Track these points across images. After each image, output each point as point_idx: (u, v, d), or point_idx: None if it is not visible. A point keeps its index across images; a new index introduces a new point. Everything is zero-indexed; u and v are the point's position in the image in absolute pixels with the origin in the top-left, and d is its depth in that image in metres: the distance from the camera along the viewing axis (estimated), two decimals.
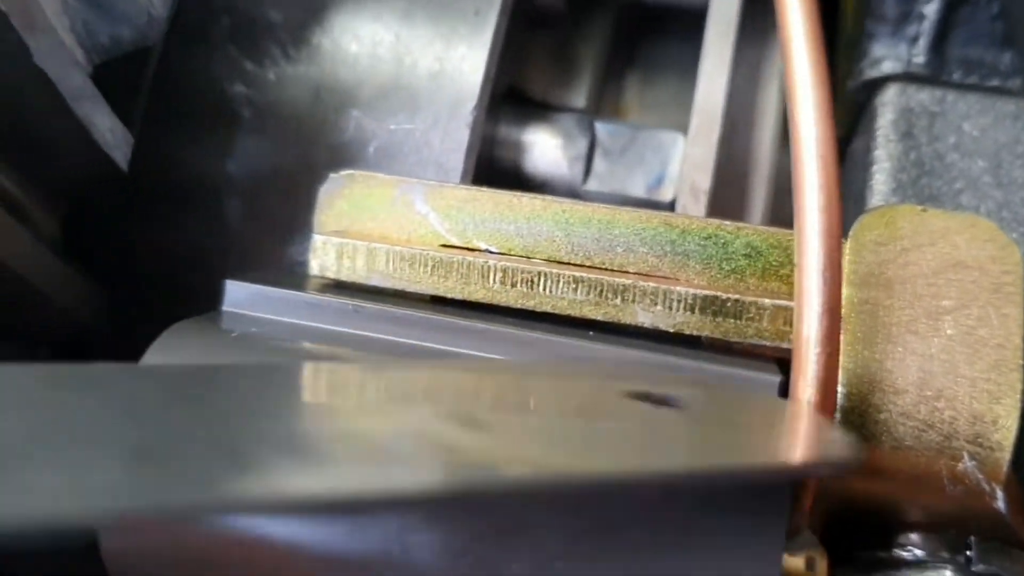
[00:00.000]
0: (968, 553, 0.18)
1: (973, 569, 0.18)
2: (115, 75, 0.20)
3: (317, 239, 0.19)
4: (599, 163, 0.22)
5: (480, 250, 0.19)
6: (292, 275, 0.19)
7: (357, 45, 0.21)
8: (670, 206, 0.21)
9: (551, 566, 0.14)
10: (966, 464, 0.17)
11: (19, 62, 0.17)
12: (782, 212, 0.23)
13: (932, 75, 0.21)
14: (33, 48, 0.17)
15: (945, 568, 0.18)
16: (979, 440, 0.17)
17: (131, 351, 0.16)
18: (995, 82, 0.21)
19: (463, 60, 0.21)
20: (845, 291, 0.17)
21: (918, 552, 0.19)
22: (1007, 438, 0.17)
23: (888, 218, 0.18)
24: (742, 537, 0.14)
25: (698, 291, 0.17)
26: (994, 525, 0.18)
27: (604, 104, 0.25)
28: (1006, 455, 0.17)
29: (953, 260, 0.18)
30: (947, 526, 0.18)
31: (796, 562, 0.15)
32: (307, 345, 0.18)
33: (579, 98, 0.24)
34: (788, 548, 0.15)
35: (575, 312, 0.18)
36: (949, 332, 0.17)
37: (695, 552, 0.14)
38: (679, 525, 0.14)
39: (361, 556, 0.15)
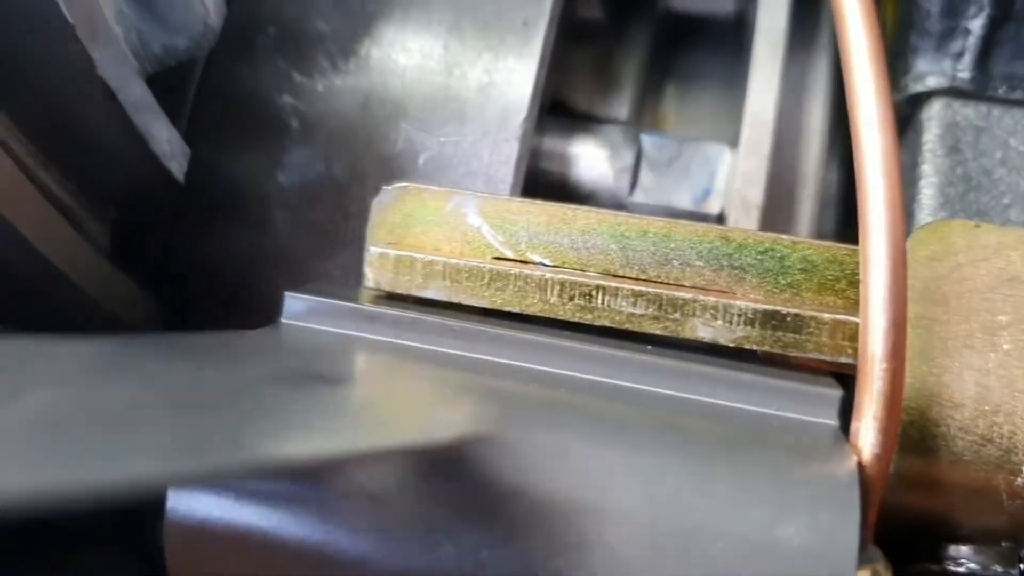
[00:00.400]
0: (1022, 567, 0.19)
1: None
2: (161, 84, 0.20)
3: (372, 251, 0.19)
4: (645, 175, 0.22)
5: (534, 263, 0.19)
6: (348, 287, 0.19)
7: (406, 57, 0.21)
8: (718, 219, 0.21)
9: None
10: None
11: (83, 73, 0.17)
12: (824, 227, 0.23)
13: (977, 90, 0.21)
14: (96, 59, 0.17)
15: None
16: None
17: None
18: None
19: (512, 72, 0.21)
20: None
21: (971, 565, 0.19)
22: None
23: (941, 233, 0.19)
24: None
25: (758, 305, 0.18)
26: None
27: (644, 116, 0.25)
28: None
29: (1008, 275, 0.18)
30: (1000, 539, 0.18)
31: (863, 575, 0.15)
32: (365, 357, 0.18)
33: (622, 110, 0.24)
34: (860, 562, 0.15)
35: (634, 327, 0.18)
36: (1006, 347, 0.17)
37: None
38: None
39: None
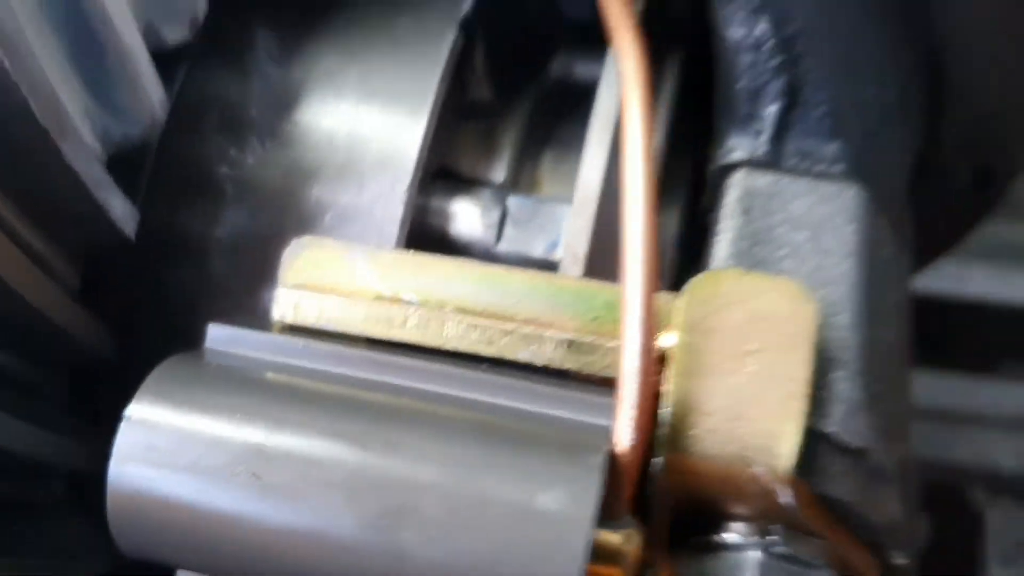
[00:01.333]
0: (773, 538, 0.24)
1: (774, 550, 0.23)
2: (122, 158, 0.26)
3: (280, 291, 0.25)
4: (508, 230, 0.28)
5: (406, 301, 0.25)
6: (262, 320, 0.25)
7: (317, 136, 0.27)
8: (560, 266, 0.27)
9: None
10: (758, 470, 0.22)
11: (53, 160, 0.23)
12: None
13: (772, 162, 0.27)
14: (64, 151, 0.23)
15: (756, 549, 0.23)
16: (770, 451, 0.22)
17: (135, 377, 0.22)
18: (821, 168, 0.27)
19: (402, 147, 0.27)
20: (678, 335, 0.23)
21: (737, 537, 0.24)
22: (791, 451, 0.22)
23: (715, 279, 0.24)
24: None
25: (564, 335, 0.23)
26: (790, 517, 0.23)
27: (521, 178, 0.30)
28: (790, 463, 0.22)
29: (761, 313, 0.23)
30: (759, 518, 0.23)
31: (615, 538, 0.20)
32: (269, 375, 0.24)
33: (500, 174, 0.30)
34: (610, 527, 0.20)
35: (473, 350, 0.23)
36: (751, 369, 0.22)
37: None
38: None
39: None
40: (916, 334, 0.62)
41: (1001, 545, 0.54)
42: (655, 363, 0.22)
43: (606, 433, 0.21)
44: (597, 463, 0.19)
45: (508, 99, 0.31)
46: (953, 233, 0.47)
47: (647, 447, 0.21)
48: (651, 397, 0.21)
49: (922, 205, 0.42)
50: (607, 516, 0.20)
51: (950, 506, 0.57)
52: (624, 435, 0.21)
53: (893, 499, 0.25)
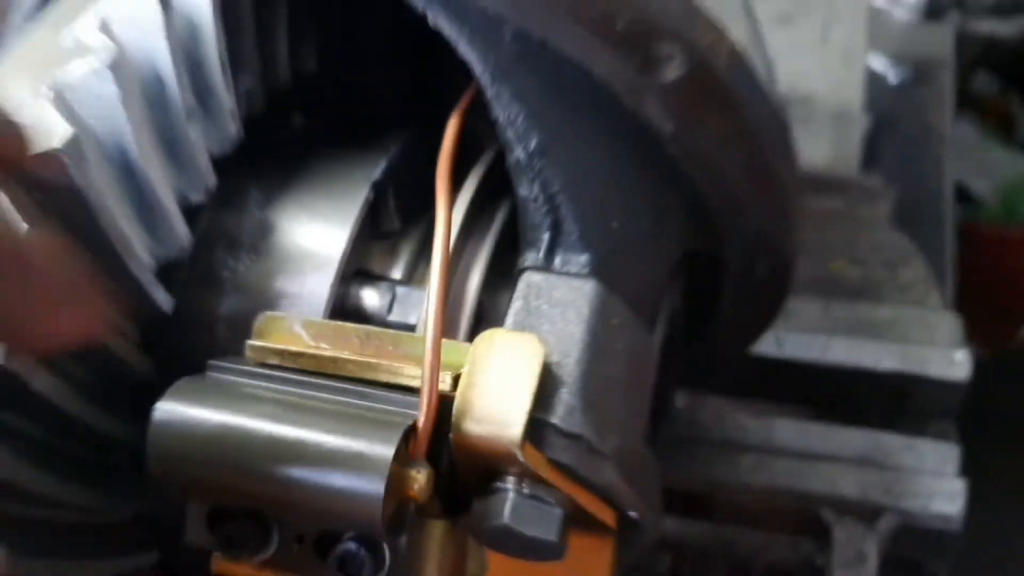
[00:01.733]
0: (524, 486, 0.40)
1: (524, 492, 0.40)
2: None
3: (248, 343, 0.43)
4: (396, 307, 0.46)
5: (322, 348, 0.42)
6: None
7: (280, 251, 0.46)
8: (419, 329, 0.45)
9: None
10: (504, 443, 0.39)
11: (122, 271, 0.41)
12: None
13: (544, 268, 0.44)
14: (131, 266, 0.41)
15: (512, 492, 0.40)
16: (509, 431, 0.39)
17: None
18: (575, 270, 0.44)
19: (331, 257, 0.45)
20: (467, 365, 0.40)
21: (504, 485, 0.40)
22: (521, 432, 0.38)
23: (491, 334, 0.41)
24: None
25: (402, 366, 0.41)
26: (534, 474, 0.39)
27: (414, 274, 0.48)
28: (520, 438, 0.38)
29: (513, 353, 0.40)
30: (518, 474, 0.40)
31: (410, 469, 0.37)
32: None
33: (397, 273, 0.48)
34: (409, 465, 0.37)
35: (354, 374, 0.41)
36: (501, 381, 0.39)
37: None
38: None
39: None
40: (785, 392, 0.79)
41: (844, 554, 0.69)
42: (451, 383, 0.39)
43: (411, 416, 0.38)
44: (402, 425, 0.37)
45: (410, 221, 0.50)
46: (769, 311, 0.64)
47: (435, 425, 0.38)
48: (437, 401, 0.38)
49: (740, 295, 0.59)
50: (407, 460, 0.37)
51: (807, 524, 0.73)
52: (421, 417, 0.38)
53: (608, 469, 0.42)
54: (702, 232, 0.52)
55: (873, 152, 1.34)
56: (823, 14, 1.13)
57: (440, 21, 0.43)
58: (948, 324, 0.72)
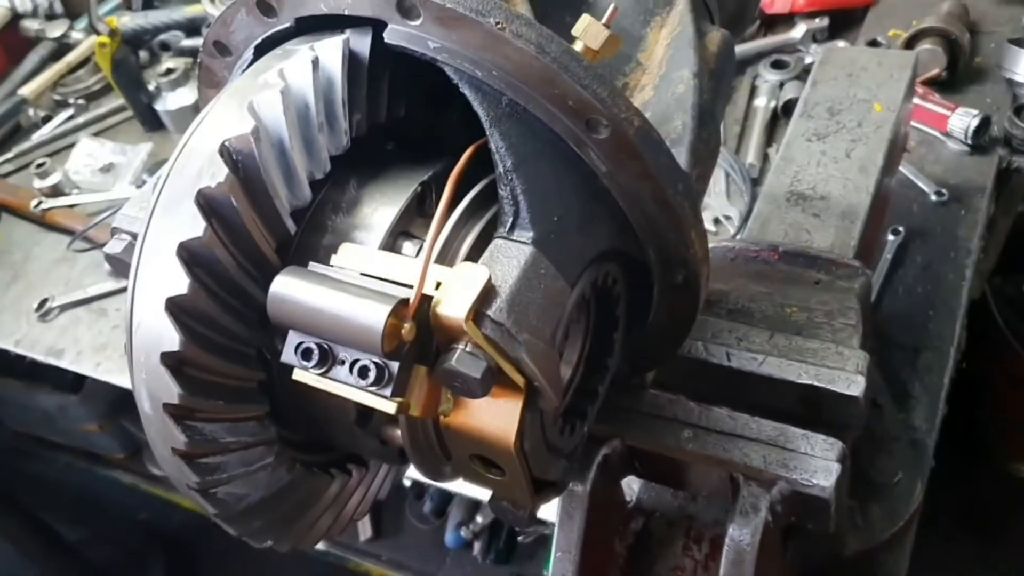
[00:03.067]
0: (469, 348, 0.69)
1: (467, 350, 0.69)
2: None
3: (331, 260, 0.75)
4: (420, 255, 0.78)
5: (371, 264, 0.74)
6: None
7: (354, 228, 0.79)
8: None
9: None
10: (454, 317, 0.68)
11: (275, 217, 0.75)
12: None
13: (506, 237, 0.75)
14: (280, 210, 0.75)
15: (460, 350, 0.68)
16: (458, 311, 0.69)
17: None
18: (522, 238, 0.75)
19: (381, 224, 0.78)
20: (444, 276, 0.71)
21: (458, 346, 0.69)
22: (468, 307, 0.68)
23: (465, 267, 0.72)
24: None
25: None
26: (471, 341, 0.68)
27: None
28: (465, 315, 0.68)
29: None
30: (475, 348, 0.69)
31: (405, 324, 0.67)
32: None
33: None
34: (403, 320, 0.67)
35: (391, 277, 0.73)
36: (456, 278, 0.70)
37: None
38: None
39: None
40: (731, 394, 1.06)
41: (744, 506, 0.94)
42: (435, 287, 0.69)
43: (409, 294, 0.69)
44: (400, 297, 0.67)
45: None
46: (689, 311, 0.91)
47: (420, 303, 0.68)
48: (420, 294, 0.68)
49: (665, 295, 0.87)
50: (403, 317, 0.68)
51: (724, 485, 0.98)
52: (413, 296, 0.68)
53: (518, 349, 0.70)
54: (626, 238, 0.81)
55: (902, 255, 1.59)
56: (851, 136, 1.41)
57: (466, 91, 0.76)
58: (856, 358, 0.98)
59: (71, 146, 2.42)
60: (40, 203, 2.24)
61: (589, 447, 0.99)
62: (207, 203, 0.69)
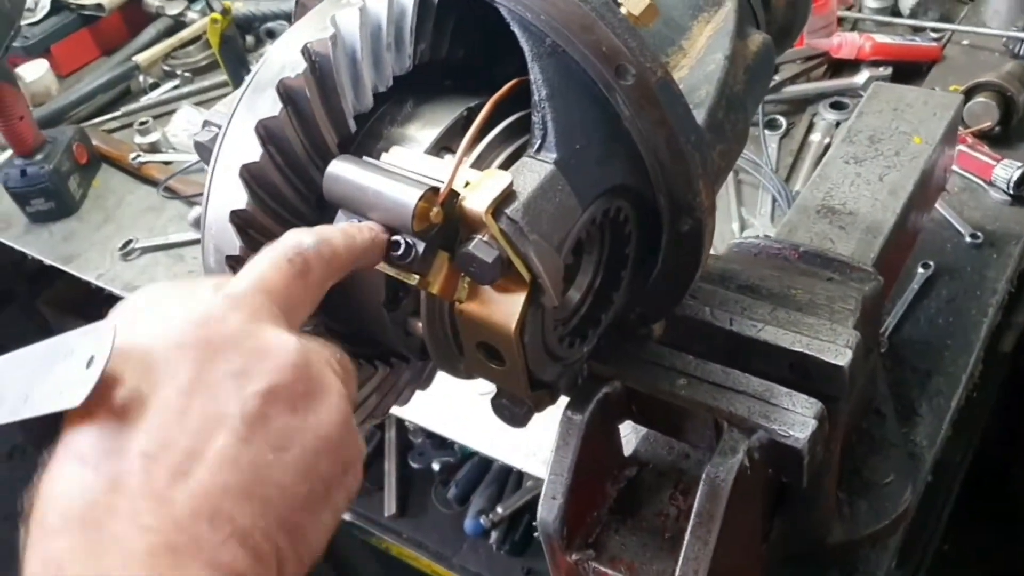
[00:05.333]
0: (486, 238, 0.80)
1: (484, 240, 0.80)
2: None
3: (382, 156, 0.88)
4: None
5: (415, 164, 0.87)
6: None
7: (401, 140, 0.92)
8: None
9: None
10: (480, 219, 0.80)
11: (339, 114, 0.89)
12: None
13: (534, 156, 0.87)
14: (346, 109, 0.89)
15: (478, 239, 0.80)
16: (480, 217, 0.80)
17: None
18: (545, 158, 0.86)
19: (428, 137, 0.91)
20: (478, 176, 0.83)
21: (477, 236, 0.81)
22: (489, 203, 0.80)
23: (488, 174, 0.83)
24: None
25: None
26: (488, 233, 0.80)
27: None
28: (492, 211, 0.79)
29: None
30: (490, 239, 0.81)
31: (433, 208, 0.79)
32: None
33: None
34: (433, 204, 0.79)
35: (427, 172, 0.85)
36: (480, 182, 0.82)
37: None
38: None
39: None
40: (730, 356, 1.17)
41: (724, 448, 1.03)
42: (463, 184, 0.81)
43: (440, 183, 0.81)
44: (432, 184, 0.80)
45: None
46: (693, 261, 1.01)
47: (448, 193, 0.80)
48: (450, 187, 0.80)
49: (672, 241, 0.98)
50: (433, 201, 0.79)
51: (710, 430, 1.07)
52: (443, 186, 0.80)
53: (528, 246, 0.81)
54: (640, 180, 0.92)
55: (928, 288, 1.66)
56: (886, 162, 1.50)
57: (515, 29, 0.88)
58: (848, 335, 1.07)
59: (172, 112, 2.61)
60: (137, 156, 2.43)
61: (591, 385, 1.10)
62: (285, 91, 0.82)
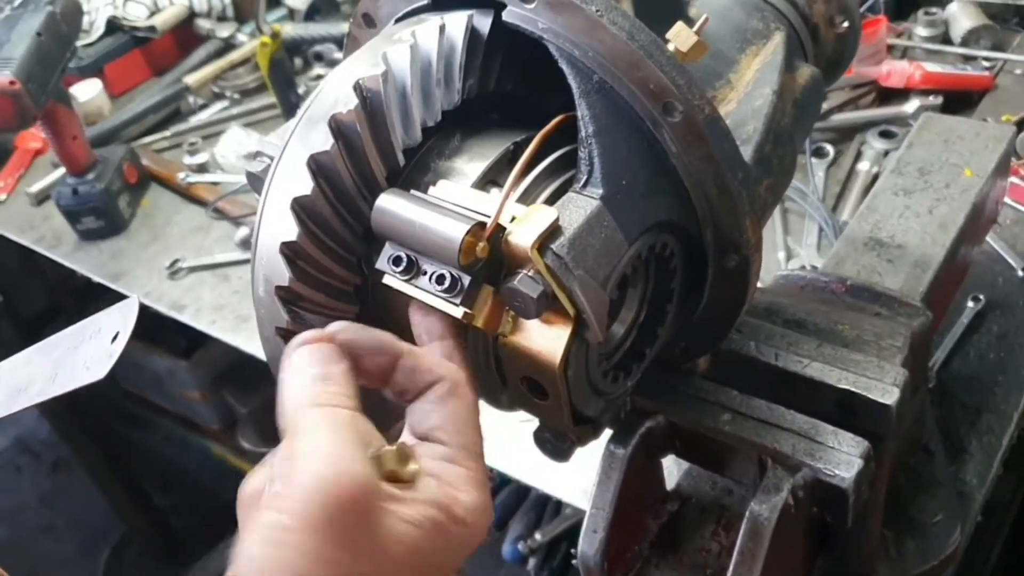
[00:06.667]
0: (531, 273, 0.80)
1: (530, 275, 0.80)
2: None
3: (429, 190, 0.89)
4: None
5: (462, 198, 0.87)
6: None
7: (448, 173, 0.92)
8: None
9: None
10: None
11: (388, 146, 0.90)
12: None
13: (579, 192, 0.87)
14: (395, 141, 0.90)
15: (523, 274, 0.80)
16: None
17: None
18: (592, 194, 0.86)
19: (475, 171, 0.91)
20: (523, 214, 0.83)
21: (522, 271, 0.81)
22: (535, 238, 0.80)
23: (530, 209, 0.84)
24: None
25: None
26: (534, 268, 0.80)
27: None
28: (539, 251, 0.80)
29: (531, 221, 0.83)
30: (535, 273, 0.81)
31: (479, 243, 0.80)
32: None
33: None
34: (479, 239, 0.79)
35: (475, 207, 0.85)
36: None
37: None
38: None
39: None
40: (776, 391, 1.16)
41: (767, 485, 1.02)
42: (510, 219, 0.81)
43: (487, 218, 0.81)
44: (479, 219, 0.80)
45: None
46: (738, 299, 1.00)
47: (495, 228, 0.80)
48: (496, 222, 0.80)
49: (718, 278, 0.97)
50: (479, 236, 0.80)
51: (753, 467, 1.06)
52: (489, 221, 0.80)
53: (573, 281, 0.81)
54: (686, 216, 0.92)
55: (979, 322, 1.64)
56: (936, 195, 1.48)
57: (563, 66, 0.89)
58: (895, 372, 1.05)
59: (221, 133, 2.66)
60: (187, 177, 2.47)
61: (634, 419, 1.09)
62: (337, 126, 0.83)
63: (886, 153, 2.06)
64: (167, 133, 2.81)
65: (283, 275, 0.83)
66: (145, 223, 2.47)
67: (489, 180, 0.91)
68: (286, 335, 0.85)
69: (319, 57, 2.97)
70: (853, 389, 1.05)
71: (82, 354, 0.52)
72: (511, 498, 2.63)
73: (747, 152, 0.95)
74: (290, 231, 0.82)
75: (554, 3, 0.87)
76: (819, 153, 2.10)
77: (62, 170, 2.45)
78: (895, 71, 2.16)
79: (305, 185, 0.82)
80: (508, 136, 0.94)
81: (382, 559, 0.56)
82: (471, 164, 0.91)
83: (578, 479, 1.55)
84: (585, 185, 0.85)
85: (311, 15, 3.13)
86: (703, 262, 0.96)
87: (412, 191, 0.85)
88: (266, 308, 0.86)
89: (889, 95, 2.22)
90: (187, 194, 2.50)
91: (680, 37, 0.94)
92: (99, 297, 3.00)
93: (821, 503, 1.01)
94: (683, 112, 0.86)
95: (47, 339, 0.56)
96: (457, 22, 0.90)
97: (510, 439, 1.64)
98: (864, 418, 1.06)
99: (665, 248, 0.92)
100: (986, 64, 2.20)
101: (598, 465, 1.08)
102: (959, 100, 2.15)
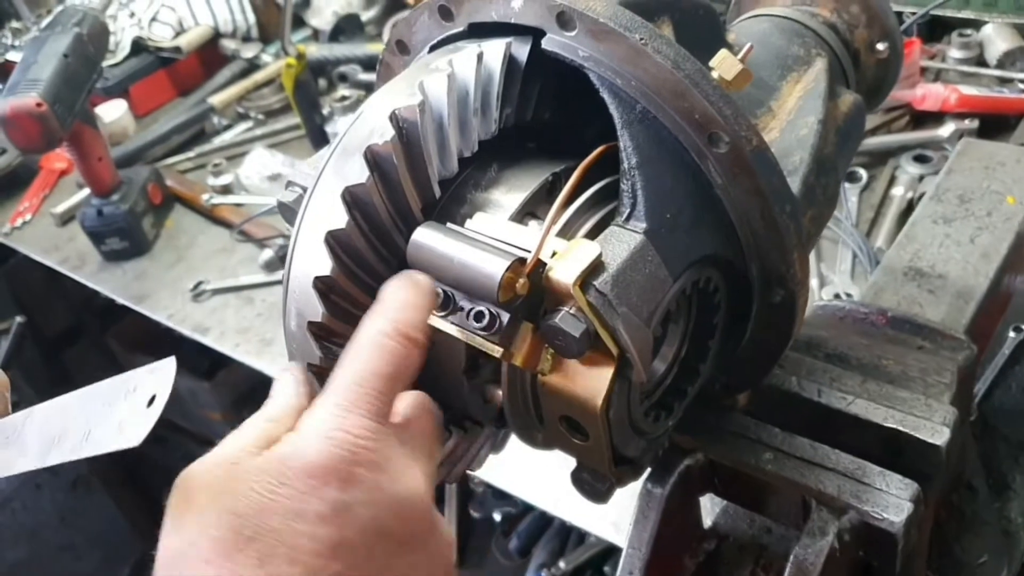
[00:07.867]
0: (572, 310, 0.77)
1: (571, 312, 0.77)
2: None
3: (467, 223, 0.86)
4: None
5: (499, 231, 0.85)
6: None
7: (485, 206, 0.90)
8: None
9: None
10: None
11: (425, 180, 0.87)
12: None
13: (622, 226, 0.84)
14: (431, 173, 0.87)
15: (565, 311, 0.77)
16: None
17: None
18: (635, 228, 0.84)
19: (514, 203, 0.88)
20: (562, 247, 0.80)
21: (563, 308, 0.78)
22: (577, 275, 0.77)
23: (575, 245, 0.81)
24: None
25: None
26: (575, 305, 0.77)
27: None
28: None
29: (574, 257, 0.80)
30: (577, 311, 0.78)
31: (519, 279, 0.77)
32: None
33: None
34: (519, 275, 0.76)
35: (514, 242, 0.83)
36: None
37: None
38: None
39: None
40: (820, 429, 1.13)
41: (812, 528, 0.98)
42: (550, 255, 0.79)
43: (527, 254, 0.78)
44: (519, 255, 0.77)
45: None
46: (783, 334, 0.97)
47: (536, 264, 0.77)
48: (537, 257, 0.77)
49: (762, 313, 0.94)
50: (520, 272, 0.77)
51: (796, 509, 1.02)
52: (530, 257, 0.77)
53: (616, 319, 0.78)
54: (732, 249, 0.89)
55: (1021, 353, 1.59)
56: (978, 223, 1.45)
57: (605, 95, 0.86)
58: (944, 411, 1.02)
59: (246, 153, 2.65)
60: (211, 198, 2.46)
61: (673, 457, 1.06)
62: (373, 157, 0.81)
63: (921, 178, 2.02)
64: (191, 154, 2.81)
65: (316, 310, 0.80)
66: (169, 244, 2.46)
67: (527, 212, 0.88)
68: (319, 371, 0.82)
69: (343, 78, 2.96)
70: (901, 428, 1.02)
71: (117, 413, 0.49)
72: (535, 524, 2.60)
73: (794, 184, 0.92)
74: (324, 265, 0.80)
75: (596, 31, 0.84)
76: (852, 178, 2.06)
77: (87, 191, 2.45)
78: (930, 94, 2.12)
79: (340, 219, 0.80)
80: (546, 166, 0.91)
81: None
82: (509, 195, 0.88)
83: (604, 510, 1.51)
84: (628, 218, 0.83)
85: (335, 36, 3.13)
86: (747, 296, 0.92)
87: (448, 224, 0.83)
88: (298, 343, 0.83)
89: (923, 119, 2.18)
90: (211, 215, 2.50)
91: (724, 65, 0.91)
92: (121, 318, 3.00)
93: (867, 547, 0.97)
94: (730, 143, 0.83)
95: (83, 389, 0.54)
96: (495, 50, 0.88)
97: (535, 468, 1.61)
98: (911, 458, 1.02)
99: (709, 283, 0.89)
100: (1023, 86, 2.16)
101: (634, 504, 1.05)
102: (995, 124, 2.11)
